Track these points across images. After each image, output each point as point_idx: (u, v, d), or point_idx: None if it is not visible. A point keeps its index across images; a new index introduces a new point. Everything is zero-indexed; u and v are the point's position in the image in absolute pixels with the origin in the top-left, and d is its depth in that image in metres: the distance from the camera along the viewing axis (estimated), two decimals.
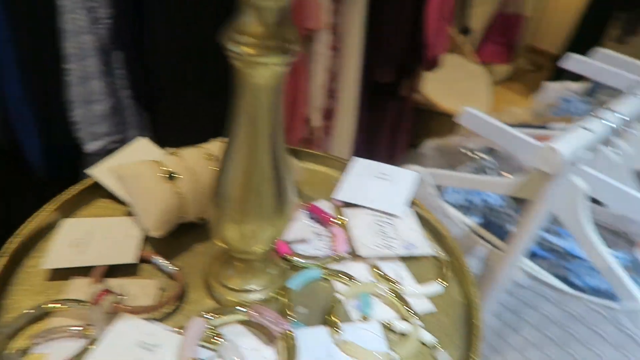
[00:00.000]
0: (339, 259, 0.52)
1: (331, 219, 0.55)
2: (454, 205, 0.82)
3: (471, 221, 0.78)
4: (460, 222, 0.76)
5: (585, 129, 0.62)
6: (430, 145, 0.91)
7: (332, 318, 0.45)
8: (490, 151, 0.85)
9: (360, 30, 1.37)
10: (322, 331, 0.44)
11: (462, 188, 0.81)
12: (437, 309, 0.49)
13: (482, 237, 0.76)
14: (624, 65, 0.93)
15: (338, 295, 0.48)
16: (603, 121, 0.64)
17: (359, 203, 0.58)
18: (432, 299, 0.50)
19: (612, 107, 0.68)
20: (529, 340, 0.68)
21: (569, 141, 0.59)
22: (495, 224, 0.79)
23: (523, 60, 2.49)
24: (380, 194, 0.59)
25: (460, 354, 0.45)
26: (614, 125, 0.66)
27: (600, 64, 0.92)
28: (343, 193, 0.59)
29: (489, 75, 2.35)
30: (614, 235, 0.71)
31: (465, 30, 2.45)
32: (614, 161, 0.70)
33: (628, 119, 0.69)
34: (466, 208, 0.83)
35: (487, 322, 0.72)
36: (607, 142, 0.68)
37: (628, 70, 0.89)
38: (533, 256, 0.74)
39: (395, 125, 1.59)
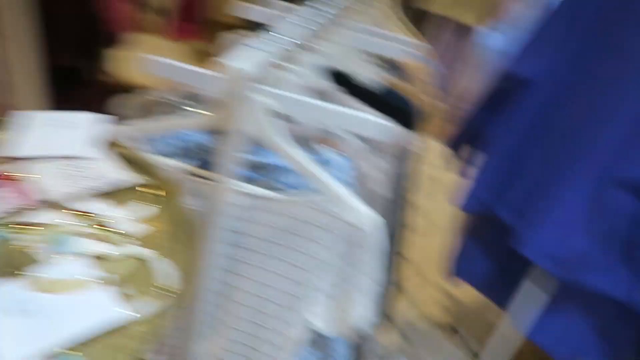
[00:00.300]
0: (28, 211, 0.45)
1: (7, 176, 0.48)
2: (170, 155, 0.81)
3: (188, 165, 0.79)
4: (173, 168, 0.76)
5: (253, 47, 0.68)
6: (128, 104, 0.87)
7: (26, 268, 0.39)
8: (193, 97, 0.86)
9: (27, 13, 1.21)
10: (11, 285, 0.37)
11: (170, 135, 0.80)
12: (154, 229, 0.48)
13: (201, 177, 0.77)
14: (283, 9, 1.08)
15: (34, 245, 0.42)
16: (271, 41, 0.72)
17: (40, 154, 0.51)
18: (146, 221, 0.49)
19: (277, 30, 0.76)
20: (261, 253, 0.74)
21: (240, 58, 0.65)
22: (210, 162, 0.81)
23: (217, 35, 2.62)
24: (61, 140, 0.53)
25: (184, 256, 0.45)
26: (286, 47, 0.75)
27: (263, 8, 1.05)
28: (16, 148, 0.52)
29: (190, 51, 2.40)
30: (303, 141, 0.82)
31: (159, 11, 2.43)
32: (291, 80, 0.80)
33: (299, 42, 0.79)
34: (183, 155, 0.83)
35: (221, 250, 0.75)
36: (280, 66, 0.77)
37: (285, 12, 1.03)
38: (250, 180, 0.79)
39: (90, 109, 1.48)
